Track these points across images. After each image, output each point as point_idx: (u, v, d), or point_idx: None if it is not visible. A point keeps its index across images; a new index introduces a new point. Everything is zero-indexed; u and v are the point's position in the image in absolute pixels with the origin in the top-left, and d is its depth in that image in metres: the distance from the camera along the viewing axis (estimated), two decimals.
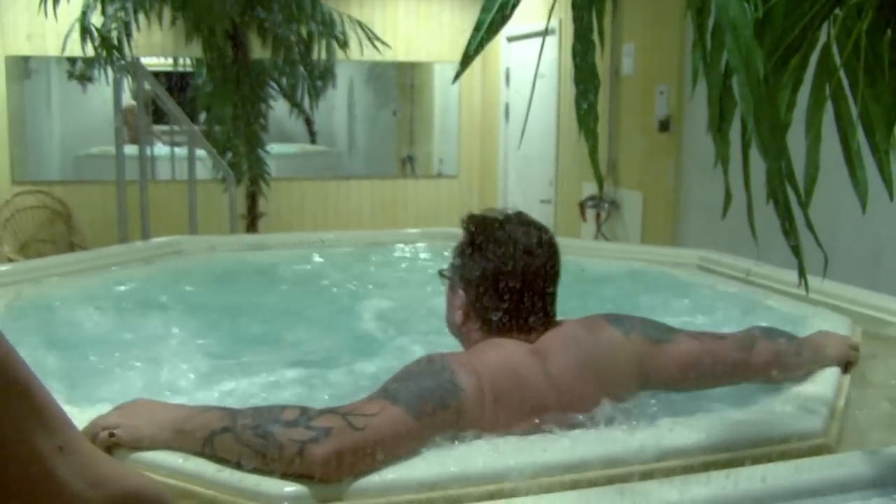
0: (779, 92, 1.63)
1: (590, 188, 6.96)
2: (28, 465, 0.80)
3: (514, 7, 1.36)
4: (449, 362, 1.79)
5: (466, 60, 1.37)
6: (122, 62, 6.46)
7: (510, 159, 8.62)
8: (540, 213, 7.66)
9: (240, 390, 2.51)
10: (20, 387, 0.80)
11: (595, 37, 1.42)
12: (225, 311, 3.50)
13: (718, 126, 1.61)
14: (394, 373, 1.79)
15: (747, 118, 1.47)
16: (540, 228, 2.06)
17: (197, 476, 1.57)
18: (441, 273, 2.14)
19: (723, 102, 1.60)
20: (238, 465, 1.58)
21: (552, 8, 1.50)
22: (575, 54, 1.41)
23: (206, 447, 1.61)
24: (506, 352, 1.91)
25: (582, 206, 6.94)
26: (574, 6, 1.40)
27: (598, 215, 6.82)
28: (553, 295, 2.03)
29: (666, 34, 6.10)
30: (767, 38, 1.50)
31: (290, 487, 1.51)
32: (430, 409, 1.67)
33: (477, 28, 1.40)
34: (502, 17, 1.39)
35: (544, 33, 8.27)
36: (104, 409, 1.76)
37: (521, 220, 2.06)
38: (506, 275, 1.96)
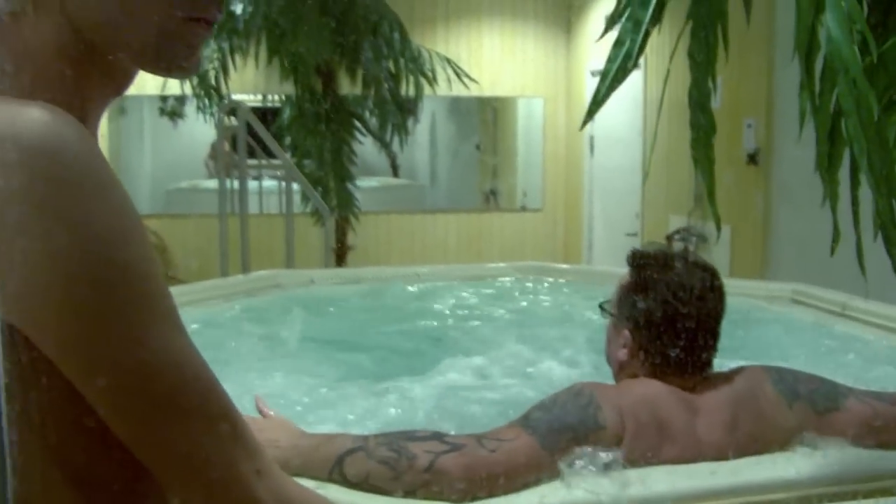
0: (888, 130, 1.67)
1: (677, 221, 6.96)
2: (232, 488, 0.88)
3: (637, 57, 1.43)
4: (596, 397, 1.78)
5: (593, 109, 1.44)
6: (223, 101, 6.68)
7: (595, 192, 8.65)
8: (625, 247, 7.66)
9: (343, 420, 2.59)
10: (225, 415, 0.88)
11: (709, 84, 1.49)
12: (327, 344, 3.60)
13: (827, 166, 1.65)
14: (541, 399, 1.80)
15: (860, 159, 1.52)
16: (709, 270, 2.01)
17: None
18: (602, 307, 2.11)
19: (832, 142, 1.64)
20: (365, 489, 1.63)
21: (686, 20, 1.56)
22: (691, 100, 1.47)
23: (336, 468, 1.65)
24: (658, 396, 1.87)
25: (669, 239, 6.93)
26: (690, 54, 1.46)
27: (685, 249, 6.80)
28: (716, 339, 1.98)
29: (753, 67, 6.11)
30: (881, 81, 1.54)
31: None
32: (565, 443, 1.69)
33: (603, 77, 1.47)
34: (626, 66, 1.46)
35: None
36: None
37: (691, 260, 2.02)
38: (676, 319, 1.91)
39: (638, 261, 2.04)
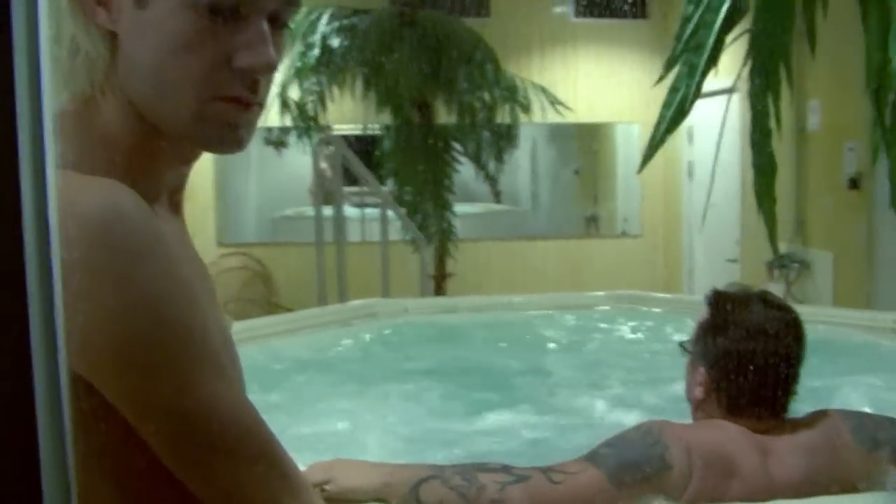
0: None
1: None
2: None
3: (692, 103, 1.45)
4: (665, 437, 1.78)
5: (650, 153, 1.47)
6: (319, 131, 6.86)
7: (695, 218, 8.56)
8: (726, 273, 7.58)
9: (435, 450, 2.64)
10: (268, 454, 0.94)
11: (773, 124, 1.50)
12: (416, 374, 3.66)
13: None
14: (609, 436, 1.81)
15: None
16: (789, 312, 2.00)
17: None
18: (682, 346, 2.11)
19: None
20: None
21: (741, 68, 1.57)
22: (752, 141, 1.48)
23: (412, 495, 1.70)
24: (729, 438, 1.86)
25: (770, 266, 6.82)
26: (751, 95, 1.47)
27: (787, 276, 6.70)
28: (795, 381, 1.96)
29: (853, 90, 5.99)
30: None
31: None
32: (631, 480, 1.71)
33: (658, 122, 1.49)
34: (682, 111, 1.48)
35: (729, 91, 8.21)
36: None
37: (767, 300, 2.01)
38: (751, 359, 1.91)
39: (716, 300, 2.04)
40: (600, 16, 8.77)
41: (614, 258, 9.19)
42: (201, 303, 0.91)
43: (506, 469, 1.70)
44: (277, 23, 0.96)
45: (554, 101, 7.56)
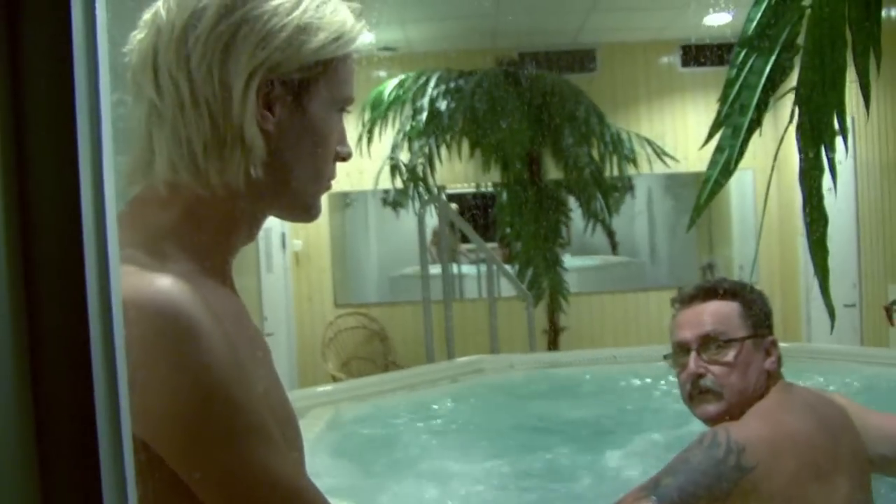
0: None
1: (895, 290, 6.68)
2: None
3: (737, 163, 1.50)
4: (737, 438, 1.81)
5: (698, 213, 1.52)
6: (427, 193, 7.02)
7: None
8: (845, 318, 7.40)
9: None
10: None
11: (826, 172, 1.53)
12: (508, 432, 3.71)
13: None
14: (674, 456, 1.84)
15: None
16: None
17: None
18: (715, 340, 2.14)
19: None
20: None
21: (788, 125, 1.61)
22: (804, 192, 1.52)
23: None
24: (793, 406, 2.00)
25: (889, 309, 6.64)
26: (800, 148, 1.51)
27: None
28: None
29: None
30: None
31: None
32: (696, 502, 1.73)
33: (705, 182, 1.55)
34: (727, 172, 1.53)
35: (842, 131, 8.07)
36: None
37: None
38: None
39: (734, 288, 2.26)
40: (707, 64, 8.74)
41: None
42: (251, 380, 1.02)
43: None
44: None
45: (660, 153, 7.58)
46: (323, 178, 1.13)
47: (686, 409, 3.93)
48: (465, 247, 8.85)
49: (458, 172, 8.14)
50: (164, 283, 0.96)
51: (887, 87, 6.24)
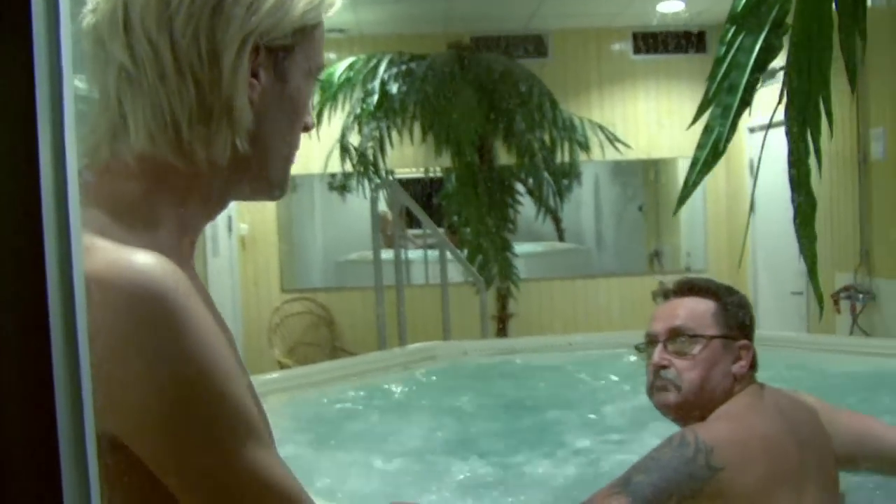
0: None
1: (843, 278, 6.74)
2: None
3: (727, 141, 1.45)
4: (705, 440, 1.80)
5: (686, 194, 1.46)
6: (377, 177, 6.93)
7: (759, 251, 8.46)
8: (791, 306, 7.46)
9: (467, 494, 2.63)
10: None
11: (812, 160, 1.48)
12: (463, 417, 3.65)
13: None
14: (643, 456, 1.83)
15: None
16: None
17: None
18: (683, 334, 2.13)
19: None
20: None
21: (777, 106, 1.56)
22: (791, 179, 1.47)
23: None
24: (763, 412, 1.97)
25: (836, 297, 6.71)
26: (788, 134, 1.46)
27: (853, 307, 6.57)
28: None
29: None
30: None
31: None
32: (676, 502, 1.71)
33: (693, 163, 1.49)
34: (716, 152, 1.48)
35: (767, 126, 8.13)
36: None
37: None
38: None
39: (708, 286, 2.22)
40: (659, 52, 8.74)
41: None
42: (234, 368, 0.93)
43: None
44: None
45: (612, 139, 7.56)
46: (294, 149, 1.08)
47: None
48: (412, 232, 8.78)
49: (407, 157, 8.05)
50: (148, 260, 0.87)
51: (834, 78, 6.26)
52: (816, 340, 5.23)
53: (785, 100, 1.50)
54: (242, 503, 0.91)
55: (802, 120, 1.52)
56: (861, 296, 6.49)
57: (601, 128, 7.61)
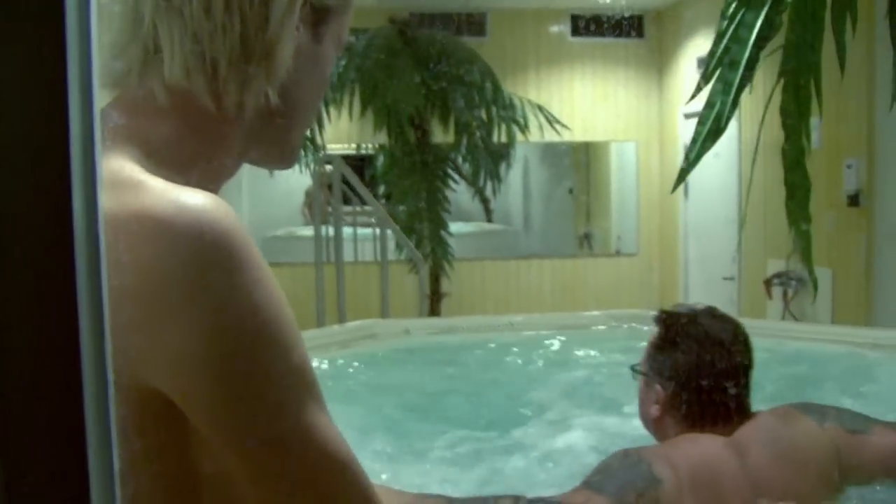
0: None
1: (775, 265, 6.84)
2: None
3: (728, 119, 1.42)
4: (645, 455, 1.83)
5: (687, 170, 1.43)
6: (319, 153, 6.82)
7: (691, 236, 8.56)
8: (723, 291, 7.56)
9: (425, 474, 2.60)
10: (361, 492, 0.89)
11: (804, 142, 1.47)
12: (409, 399, 3.61)
13: None
14: (593, 468, 1.86)
15: None
16: (733, 323, 2.10)
17: None
18: (633, 368, 2.17)
19: None
20: None
21: (775, 85, 1.54)
22: (785, 158, 1.45)
23: None
24: (702, 446, 1.93)
25: (767, 283, 6.81)
26: (783, 112, 1.44)
27: (784, 293, 6.68)
28: (748, 388, 2.06)
29: (853, 106, 5.99)
30: None
31: None
32: (633, 498, 1.73)
33: (695, 139, 1.46)
34: (718, 128, 1.45)
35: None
36: None
37: (714, 314, 2.10)
38: (703, 371, 1.99)
39: (665, 318, 2.11)
40: (597, 35, 8.76)
41: (609, 277, 9.16)
42: (296, 322, 0.86)
43: (517, 501, 1.68)
44: None
45: (552, 120, 7.55)
46: (313, 119, 1.05)
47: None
48: (346, 209, 8.69)
49: (342, 132, 7.96)
50: (210, 199, 0.81)
51: (771, 66, 6.34)
52: (749, 325, 5.28)
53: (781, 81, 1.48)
54: (296, 466, 0.84)
55: (797, 98, 1.49)
56: (793, 282, 6.60)
57: (541, 108, 7.60)
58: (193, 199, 0.80)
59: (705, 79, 1.47)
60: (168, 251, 0.78)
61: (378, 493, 1.78)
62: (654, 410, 2.06)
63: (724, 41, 1.44)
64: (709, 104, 1.46)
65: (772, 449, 1.92)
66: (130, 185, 0.81)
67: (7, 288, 0.44)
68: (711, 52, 1.47)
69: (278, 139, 0.99)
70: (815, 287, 1.62)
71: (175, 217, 0.78)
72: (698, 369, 1.99)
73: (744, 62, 1.44)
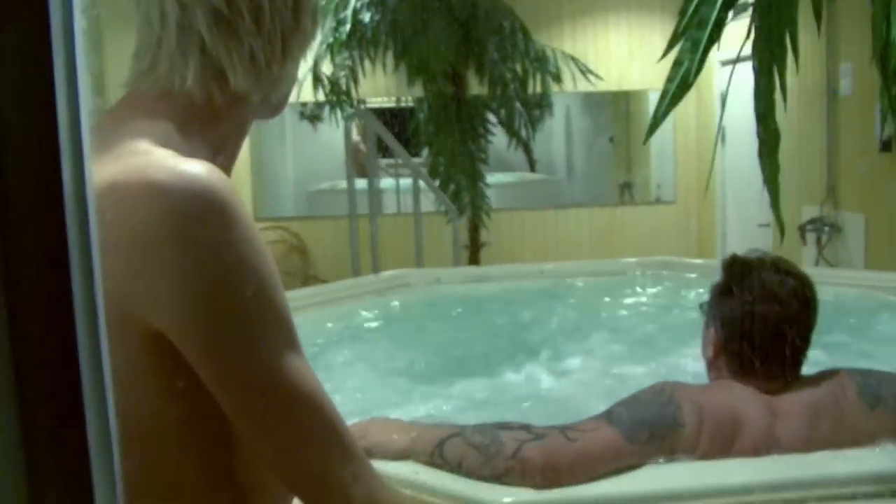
0: None
1: (810, 211, 6.86)
2: (330, 493, 1.03)
3: (696, 74, 1.51)
4: (677, 396, 1.86)
5: (655, 125, 1.54)
6: (350, 106, 6.94)
7: (728, 183, 8.57)
8: (758, 238, 7.59)
9: (449, 412, 2.72)
10: (330, 425, 1.02)
11: (777, 95, 1.55)
12: (441, 342, 3.74)
13: None
14: (625, 397, 1.91)
15: None
16: (799, 278, 2.08)
17: (427, 487, 1.79)
18: (701, 307, 2.23)
19: None
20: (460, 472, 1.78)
21: (744, 41, 1.63)
22: (756, 111, 1.54)
23: (437, 450, 1.80)
24: (737, 397, 1.94)
25: (802, 229, 6.84)
26: (755, 69, 1.53)
27: (818, 239, 6.71)
28: (802, 347, 2.04)
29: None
30: None
31: (508, 498, 1.71)
32: (646, 437, 1.78)
33: (663, 96, 1.56)
34: (685, 85, 1.54)
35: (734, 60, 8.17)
36: None
37: (779, 268, 2.09)
38: (753, 322, 1.99)
39: (730, 264, 2.14)
40: None
41: (648, 225, 9.21)
42: (279, 276, 1.01)
43: (525, 428, 1.79)
44: None
45: (585, 70, 7.59)
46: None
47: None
48: (384, 161, 8.79)
49: (380, 86, 8.06)
50: (204, 165, 0.96)
51: (806, 14, 6.31)
52: None
53: (753, 35, 1.56)
54: (272, 403, 0.98)
55: (769, 54, 1.58)
56: (827, 228, 6.62)
57: (573, 59, 7.64)
58: (193, 166, 0.95)
59: (674, 39, 1.57)
60: (167, 209, 0.92)
61: (385, 425, 1.93)
62: (709, 352, 2.11)
63: (694, 2, 1.54)
64: (677, 62, 1.55)
65: (808, 421, 1.90)
66: (141, 153, 0.97)
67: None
68: (681, 12, 1.57)
69: (278, 105, 1.16)
70: (783, 232, 1.70)
71: (175, 180, 0.93)
72: (749, 320, 2.00)
73: (711, 22, 1.53)
